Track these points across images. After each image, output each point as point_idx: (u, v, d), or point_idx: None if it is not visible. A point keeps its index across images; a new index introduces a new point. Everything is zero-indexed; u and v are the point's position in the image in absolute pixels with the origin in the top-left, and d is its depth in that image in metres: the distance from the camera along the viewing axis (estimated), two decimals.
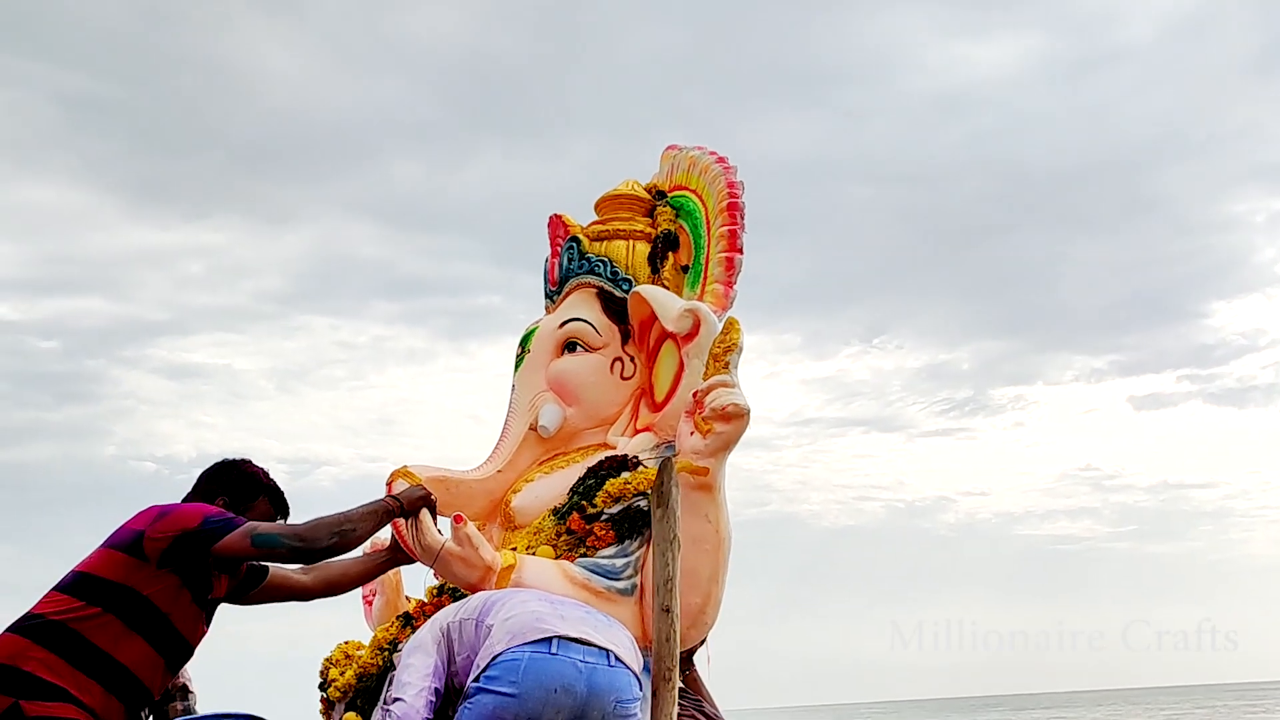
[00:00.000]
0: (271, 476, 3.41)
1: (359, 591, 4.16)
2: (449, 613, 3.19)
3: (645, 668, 3.11)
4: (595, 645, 2.80)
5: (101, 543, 3.07)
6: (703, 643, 3.76)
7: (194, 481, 3.34)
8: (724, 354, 3.66)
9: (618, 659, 2.81)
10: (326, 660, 3.88)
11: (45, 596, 3.01)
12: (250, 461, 3.41)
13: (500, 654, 2.76)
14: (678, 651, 3.05)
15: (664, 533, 3.05)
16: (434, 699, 2.97)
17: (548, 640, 2.76)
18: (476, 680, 2.78)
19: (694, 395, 3.65)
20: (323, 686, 3.83)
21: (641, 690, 2.89)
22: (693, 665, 3.79)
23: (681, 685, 3.63)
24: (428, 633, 3.09)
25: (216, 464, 3.37)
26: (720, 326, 3.78)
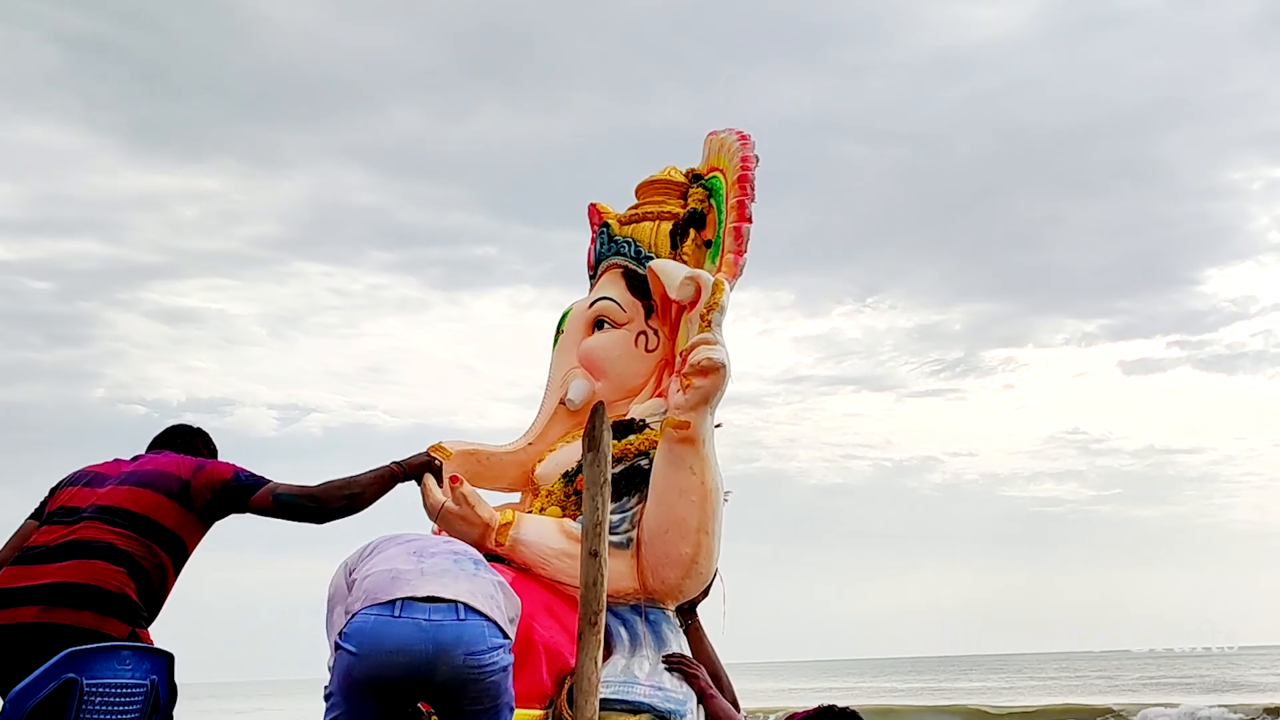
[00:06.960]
0: None
1: None
2: (353, 553, 3.26)
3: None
4: (443, 600, 2.82)
5: (139, 481, 3.25)
6: (705, 594, 3.85)
7: (166, 434, 3.56)
8: (708, 313, 3.80)
9: (470, 610, 2.81)
10: None
11: (108, 527, 3.12)
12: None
13: (355, 614, 2.86)
14: (604, 596, 3.10)
15: (594, 476, 3.12)
16: None
17: (392, 603, 2.82)
18: (339, 635, 2.89)
19: (680, 354, 3.81)
20: None
21: (506, 638, 2.86)
22: (695, 615, 3.87)
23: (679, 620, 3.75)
24: (340, 574, 3.16)
25: (187, 427, 3.62)
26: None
